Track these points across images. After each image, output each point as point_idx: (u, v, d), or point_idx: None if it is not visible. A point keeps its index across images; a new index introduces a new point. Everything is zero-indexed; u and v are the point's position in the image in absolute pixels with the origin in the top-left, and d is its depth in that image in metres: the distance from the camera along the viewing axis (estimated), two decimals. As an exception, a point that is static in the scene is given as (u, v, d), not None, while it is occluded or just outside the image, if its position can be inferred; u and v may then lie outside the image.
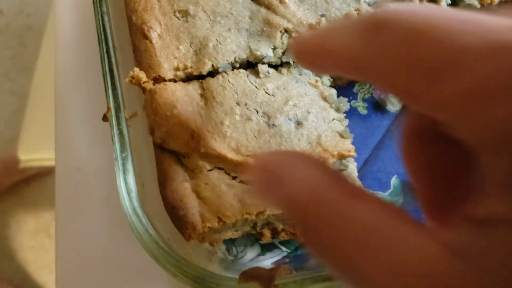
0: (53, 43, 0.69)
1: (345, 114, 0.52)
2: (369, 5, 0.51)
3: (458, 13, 0.21)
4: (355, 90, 0.61)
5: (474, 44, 0.19)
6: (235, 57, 0.49)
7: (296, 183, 0.24)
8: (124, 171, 0.45)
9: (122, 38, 0.53)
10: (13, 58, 1.81)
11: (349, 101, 0.61)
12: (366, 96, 0.61)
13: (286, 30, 0.50)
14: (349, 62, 0.24)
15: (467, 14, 0.20)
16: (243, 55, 0.49)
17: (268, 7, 0.51)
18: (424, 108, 0.22)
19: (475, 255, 0.19)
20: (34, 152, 1.21)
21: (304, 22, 0.50)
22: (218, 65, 0.48)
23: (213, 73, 0.49)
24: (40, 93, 1.21)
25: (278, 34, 0.50)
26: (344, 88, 0.62)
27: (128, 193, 0.44)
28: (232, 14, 0.51)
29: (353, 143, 0.58)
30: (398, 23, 0.21)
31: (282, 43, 0.50)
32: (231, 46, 0.50)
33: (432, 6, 0.22)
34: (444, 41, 0.20)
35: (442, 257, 0.20)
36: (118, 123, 0.47)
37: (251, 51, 0.49)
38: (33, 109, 1.23)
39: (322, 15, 0.50)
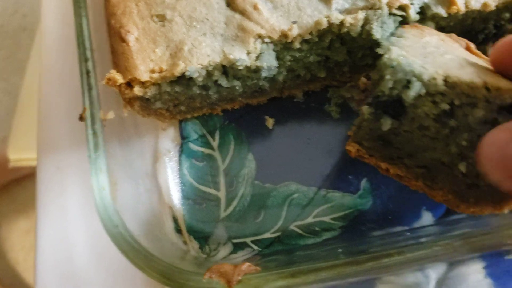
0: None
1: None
2: (340, 12, 0.53)
3: None
4: (328, 95, 0.63)
5: None
6: (209, 61, 0.51)
7: None
8: (97, 170, 0.46)
9: (101, 41, 0.55)
10: (7, 58, 1.82)
11: (322, 106, 0.63)
12: (339, 101, 0.62)
13: (259, 36, 0.52)
14: None
15: None
16: (217, 59, 0.51)
17: (243, 13, 0.53)
18: None
19: None
20: (24, 152, 1.22)
21: (277, 29, 0.52)
22: (187, 69, 0.49)
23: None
24: (30, 93, 1.22)
25: (252, 40, 0.51)
26: (317, 93, 0.64)
27: (100, 190, 0.45)
28: (207, 19, 0.53)
29: (324, 147, 0.60)
30: None
31: (255, 48, 0.51)
32: (206, 50, 0.51)
33: None
34: None
35: None
36: (93, 123, 0.49)
37: (224, 55, 0.51)
38: (24, 109, 1.24)
39: (294, 22, 0.52)
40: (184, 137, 0.63)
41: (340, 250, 0.53)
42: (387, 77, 0.41)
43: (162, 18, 0.53)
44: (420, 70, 0.40)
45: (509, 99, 0.36)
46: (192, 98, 0.57)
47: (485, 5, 0.55)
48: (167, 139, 0.63)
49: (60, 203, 0.60)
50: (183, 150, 0.62)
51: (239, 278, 0.42)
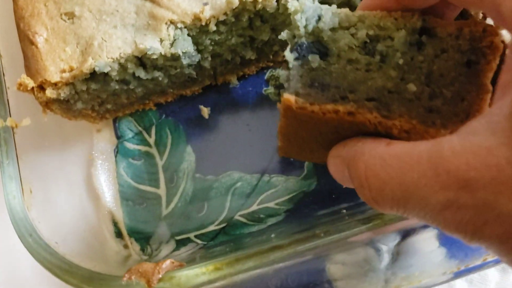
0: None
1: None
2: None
3: None
4: (266, 77, 0.61)
5: None
6: (120, 53, 0.48)
7: None
8: (8, 178, 0.44)
9: (12, 47, 0.52)
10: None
11: (260, 89, 0.61)
12: (277, 83, 0.60)
13: (171, 22, 0.50)
14: None
15: None
16: (129, 50, 0.49)
17: (153, 0, 0.50)
18: None
19: None
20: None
21: (189, 12, 0.49)
22: (96, 64, 0.47)
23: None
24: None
25: (164, 26, 0.49)
26: (253, 76, 0.61)
27: (11, 199, 0.43)
28: (117, 11, 0.51)
29: (264, 132, 0.58)
30: None
31: (169, 35, 0.49)
32: (117, 42, 0.49)
33: None
34: None
35: None
36: (4, 131, 0.46)
37: (136, 45, 0.49)
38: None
39: (205, 4, 0.50)
40: (119, 137, 0.61)
41: (282, 234, 0.51)
42: (298, 16, 0.40)
43: (71, 15, 0.51)
44: (326, 6, 0.41)
45: (418, 21, 0.38)
46: (115, 94, 0.54)
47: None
48: (103, 141, 0.61)
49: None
50: (118, 150, 0.60)
51: (159, 276, 0.40)
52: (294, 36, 0.41)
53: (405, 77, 0.38)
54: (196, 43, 0.52)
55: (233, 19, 0.51)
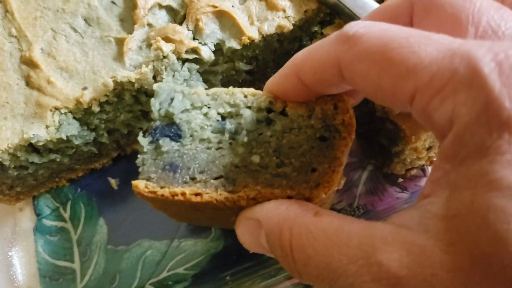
0: None
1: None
2: (135, 67, 0.53)
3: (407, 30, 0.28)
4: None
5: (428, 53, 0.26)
6: (8, 144, 0.51)
7: None
8: None
9: None
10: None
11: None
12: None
13: (56, 108, 0.52)
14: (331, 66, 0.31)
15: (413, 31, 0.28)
16: (16, 140, 0.51)
17: (39, 89, 0.53)
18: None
19: None
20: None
21: (71, 98, 0.52)
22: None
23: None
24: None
25: (49, 113, 0.52)
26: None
27: None
28: (8, 103, 0.53)
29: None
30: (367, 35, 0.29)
31: (54, 121, 0.52)
32: (6, 134, 0.52)
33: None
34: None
35: None
36: None
37: (22, 135, 0.51)
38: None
39: (84, 88, 0.52)
40: (38, 214, 0.63)
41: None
42: (152, 100, 0.42)
43: (-35, 110, 0.54)
44: (181, 87, 0.42)
45: (264, 103, 0.40)
46: (20, 178, 0.57)
47: (280, 27, 0.54)
48: (25, 219, 0.63)
49: None
50: (37, 227, 0.62)
51: None
52: (152, 119, 0.42)
53: (252, 151, 0.39)
54: (86, 123, 0.55)
55: (115, 99, 0.53)
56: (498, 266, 0.23)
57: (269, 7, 0.55)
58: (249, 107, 0.41)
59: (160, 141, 0.41)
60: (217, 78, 0.57)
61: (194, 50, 0.53)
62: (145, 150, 0.42)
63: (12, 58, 0.55)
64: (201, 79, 0.56)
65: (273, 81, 0.39)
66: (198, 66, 0.54)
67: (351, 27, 0.30)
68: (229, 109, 0.41)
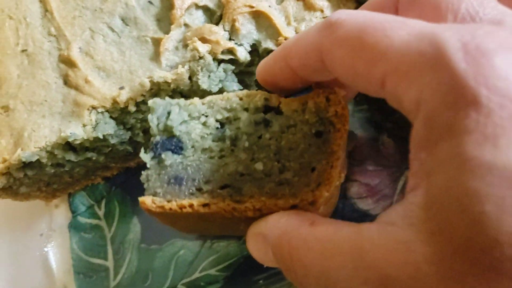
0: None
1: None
2: (171, 68, 0.53)
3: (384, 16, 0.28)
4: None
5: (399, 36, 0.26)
6: (46, 142, 0.52)
7: None
8: None
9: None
10: None
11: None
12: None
13: (93, 107, 0.53)
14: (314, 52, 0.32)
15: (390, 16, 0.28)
16: (54, 138, 0.52)
17: (77, 88, 0.54)
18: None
19: None
20: None
21: (108, 97, 0.52)
22: (22, 155, 0.50)
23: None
24: None
25: (86, 112, 0.52)
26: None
27: None
28: (46, 101, 0.54)
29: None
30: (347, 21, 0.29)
31: (91, 120, 0.52)
32: (44, 131, 0.53)
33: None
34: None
35: None
36: None
37: (60, 133, 0.52)
38: None
39: (121, 88, 0.52)
40: (73, 211, 0.64)
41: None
42: (150, 116, 0.42)
43: (6, 108, 0.55)
44: (176, 100, 0.43)
45: (260, 101, 0.40)
46: (56, 176, 0.58)
47: (318, 28, 0.53)
48: (61, 216, 0.64)
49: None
50: (72, 224, 0.63)
51: None
52: (151, 135, 0.42)
53: (255, 157, 0.39)
54: (122, 123, 0.55)
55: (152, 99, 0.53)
56: (476, 252, 0.22)
57: (306, 7, 0.54)
58: (246, 109, 0.41)
59: (163, 155, 0.41)
60: (252, 79, 0.57)
61: (230, 51, 0.52)
62: (148, 166, 0.42)
63: (51, 57, 0.56)
64: (236, 80, 0.55)
65: (264, 63, 0.40)
66: (233, 67, 0.53)
67: (336, 14, 0.31)
68: (226, 114, 0.42)
